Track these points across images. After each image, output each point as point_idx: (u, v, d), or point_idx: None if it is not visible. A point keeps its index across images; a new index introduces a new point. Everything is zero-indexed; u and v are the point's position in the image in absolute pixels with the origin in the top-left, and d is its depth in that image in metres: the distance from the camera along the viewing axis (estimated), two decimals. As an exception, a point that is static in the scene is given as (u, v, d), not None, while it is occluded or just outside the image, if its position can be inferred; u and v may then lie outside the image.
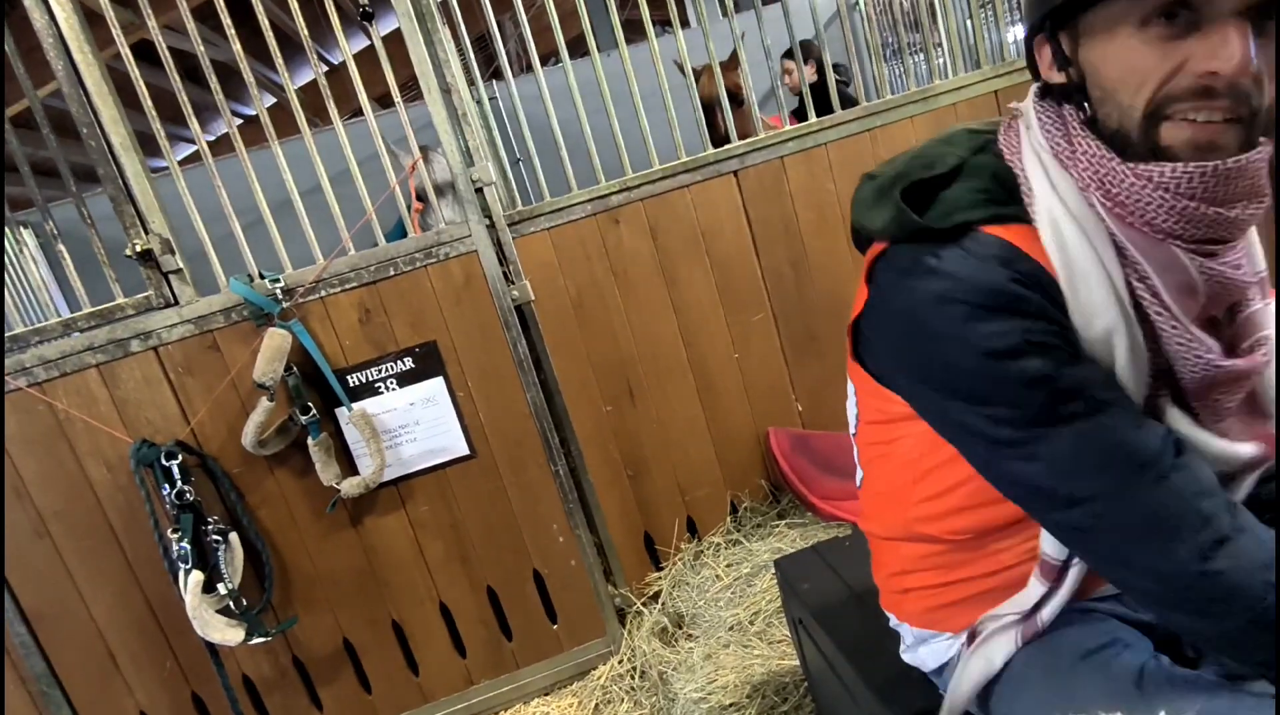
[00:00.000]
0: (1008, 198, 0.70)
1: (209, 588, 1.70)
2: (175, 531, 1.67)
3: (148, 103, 1.67)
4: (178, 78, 1.68)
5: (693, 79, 2.26)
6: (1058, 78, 0.70)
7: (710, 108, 2.40)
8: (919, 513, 0.84)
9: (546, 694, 2.03)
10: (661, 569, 2.18)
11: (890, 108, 2.15)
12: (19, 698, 1.81)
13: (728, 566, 2.08)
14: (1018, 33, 2.49)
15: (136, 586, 1.80)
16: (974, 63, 2.47)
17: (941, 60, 2.44)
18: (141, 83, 1.67)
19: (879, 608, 1.23)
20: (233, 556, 1.74)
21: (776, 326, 2.19)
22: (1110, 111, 0.65)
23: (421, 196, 2.12)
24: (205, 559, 1.71)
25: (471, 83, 2.19)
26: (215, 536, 1.72)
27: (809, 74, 3.36)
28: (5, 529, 1.70)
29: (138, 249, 1.66)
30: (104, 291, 1.71)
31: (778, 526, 2.16)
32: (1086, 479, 0.64)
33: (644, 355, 2.11)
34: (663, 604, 2.06)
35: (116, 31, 1.63)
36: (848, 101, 2.40)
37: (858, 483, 0.98)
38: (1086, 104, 0.68)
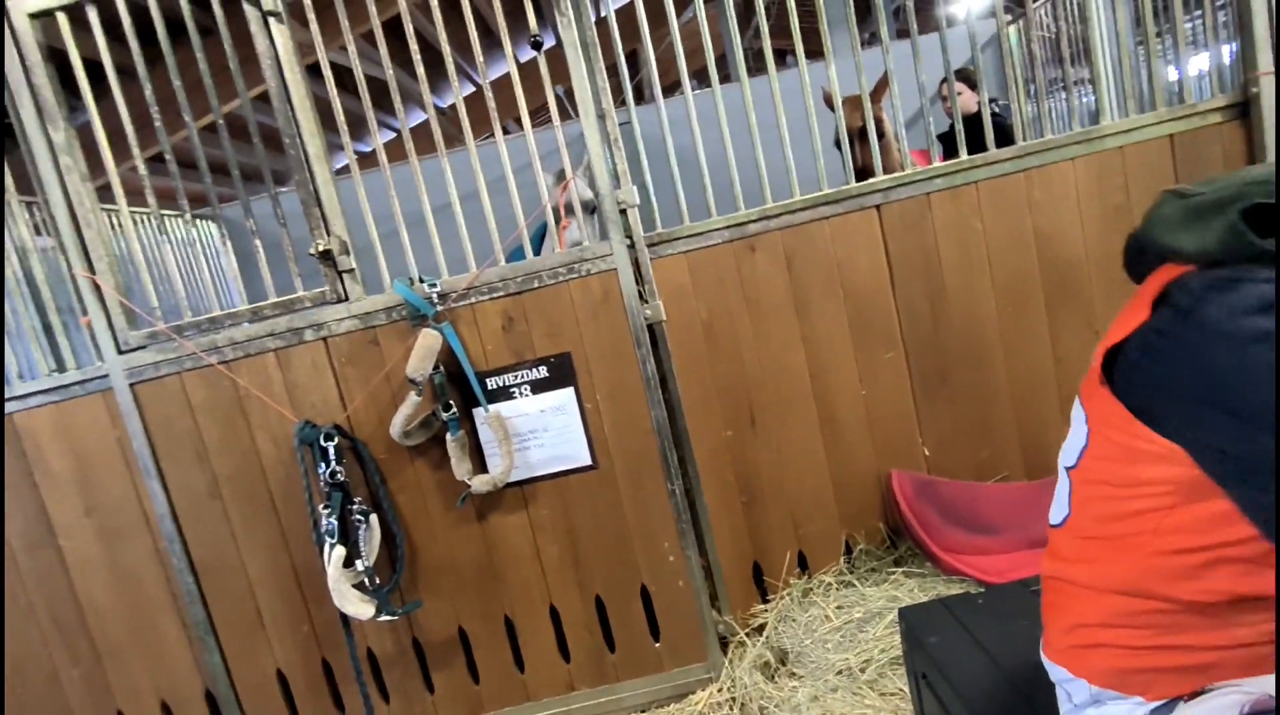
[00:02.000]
0: None
1: (348, 563, 1.84)
2: (326, 507, 1.82)
3: (340, 118, 1.86)
4: (367, 94, 1.86)
5: (841, 109, 2.25)
6: None
7: (853, 139, 2.37)
8: (1157, 566, 0.77)
9: (643, 711, 2.04)
10: (768, 601, 2.15)
11: (1050, 148, 2.05)
12: (180, 640, 2.02)
13: (838, 608, 2.02)
14: (1202, 66, 2.30)
15: (286, 553, 1.97)
16: (1148, 103, 2.31)
17: (1109, 98, 2.29)
18: (337, 100, 1.85)
19: (1016, 671, 1.17)
20: (371, 536, 1.88)
21: (908, 365, 2.13)
22: None
23: (569, 212, 2.23)
24: (347, 536, 1.86)
25: (622, 103, 2.27)
26: (358, 516, 1.86)
27: (970, 102, 3.25)
28: (157, 499, 1.92)
29: (320, 248, 1.84)
30: (280, 283, 1.91)
31: (894, 574, 2.08)
32: None
33: (769, 383, 2.10)
34: (767, 637, 2.03)
35: (323, 57, 1.83)
36: (1004, 135, 2.31)
37: (1057, 520, 0.92)
38: None
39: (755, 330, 2.08)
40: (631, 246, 1.97)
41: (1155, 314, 0.72)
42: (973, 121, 2.44)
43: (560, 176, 2.39)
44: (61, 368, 2.00)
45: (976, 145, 2.11)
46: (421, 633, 2.02)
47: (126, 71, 1.83)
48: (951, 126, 2.20)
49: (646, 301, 1.98)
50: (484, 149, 1.97)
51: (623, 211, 1.95)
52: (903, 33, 5.97)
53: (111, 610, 2.02)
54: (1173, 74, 2.96)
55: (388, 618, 1.86)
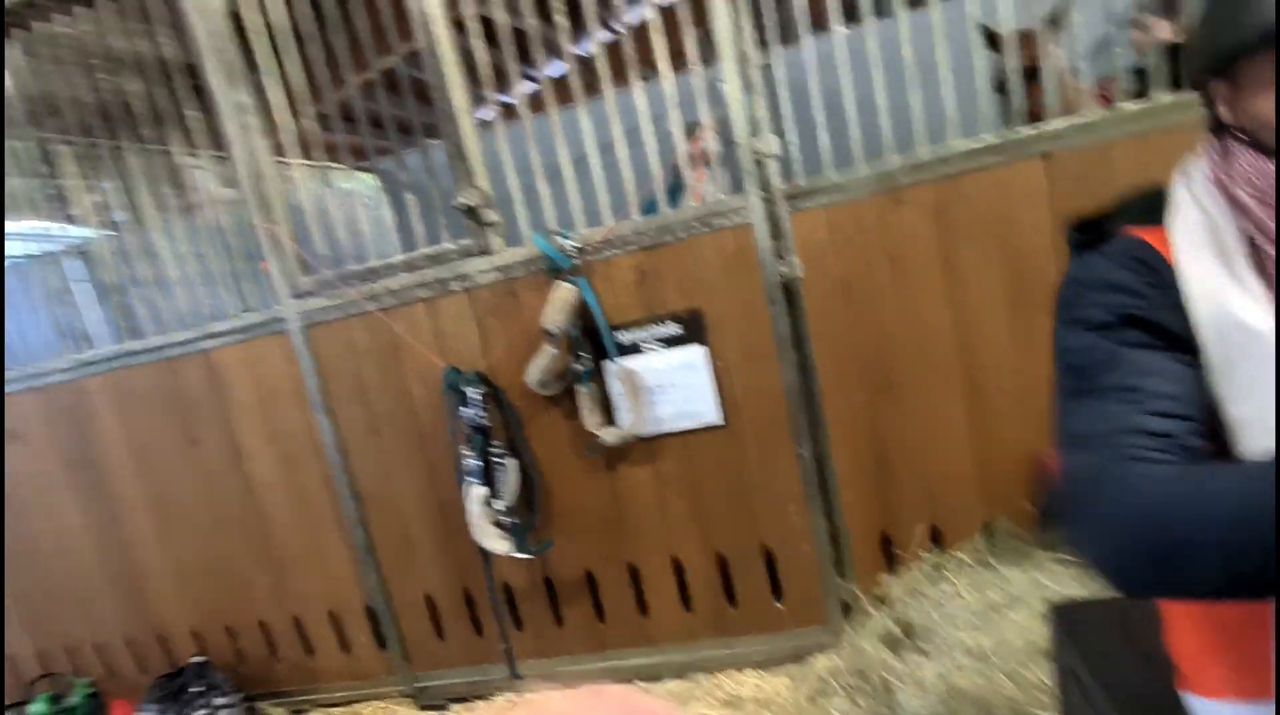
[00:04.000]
0: (1159, 209, 0.79)
1: (488, 502, 1.97)
2: (469, 448, 1.95)
3: (487, 71, 1.90)
4: (514, 47, 1.89)
5: (1008, 45, 2.01)
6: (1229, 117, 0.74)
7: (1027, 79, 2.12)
8: None
9: (762, 668, 2.06)
10: (896, 573, 2.07)
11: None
12: (345, 559, 2.26)
13: (972, 587, 1.92)
14: None
15: (433, 489, 2.13)
16: None
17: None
18: (483, 54, 1.89)
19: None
20: (509, 478, 1.99)
21: (1073, 333, 1.92)
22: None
23: (706, 164, 2.18)
24: (487, 476, 1.98)
25: (763, 44, 2.15)
26: (497, 458, 1.97)
27: (1167, 32, 2.81)
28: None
29: (465, 204, 1.92)
30: (429, 232, 2.01)
31: (1041, 559, 1.93)
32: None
33: (909, 348, 1.98)
34: (893, 609, 1.97)
35: (468, 10, 1.87)
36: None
37: None
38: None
39: (898, 291, 1.95)
40: (768, 199, 1.89)
41: None
42: (1175, 55, 2.11)
43: (693, 128, 2.33)
44: (248, 309, 2.24)
45: (1179, 82, 1.83)
46: (552, 571, 2.13)
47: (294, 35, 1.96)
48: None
49: (782, 258, 1.91)
50: (621, 98, 1.95)
51: (759, 162, 1.87)
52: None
53: (290, 527, 2.28)
54: None
55: (523, 555, 1.98)
